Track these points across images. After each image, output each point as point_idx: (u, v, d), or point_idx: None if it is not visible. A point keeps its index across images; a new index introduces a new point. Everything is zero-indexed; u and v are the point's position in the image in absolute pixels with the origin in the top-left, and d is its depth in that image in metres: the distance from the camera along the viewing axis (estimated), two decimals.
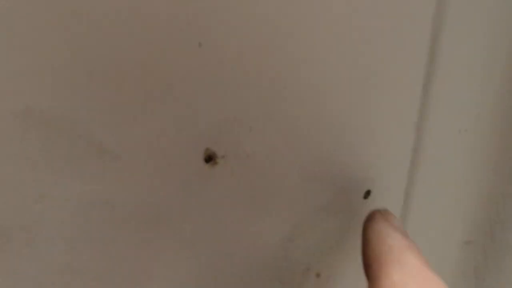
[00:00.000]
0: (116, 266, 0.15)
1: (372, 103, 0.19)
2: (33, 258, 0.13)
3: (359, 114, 0.19)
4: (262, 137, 0.16)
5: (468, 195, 0.26)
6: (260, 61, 0.15)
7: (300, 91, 0.16)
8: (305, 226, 0.19)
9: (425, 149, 0.22)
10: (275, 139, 0.16)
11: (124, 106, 0.13)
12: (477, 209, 0.26)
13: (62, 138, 0.13)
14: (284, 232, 0.19)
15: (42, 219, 0.13)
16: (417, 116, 0.21)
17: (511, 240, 0.26)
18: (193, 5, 0.13)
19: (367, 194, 0.21)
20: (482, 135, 0.24)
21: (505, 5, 0.21)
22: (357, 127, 0.19)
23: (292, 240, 0.19)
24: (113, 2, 0.12)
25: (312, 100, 0.17)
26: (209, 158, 0.15)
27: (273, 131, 0.16)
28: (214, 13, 0.13)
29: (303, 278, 0.21)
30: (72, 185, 0.13)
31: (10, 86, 0.12)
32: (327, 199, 0.19)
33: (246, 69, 0.15)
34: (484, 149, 0.25)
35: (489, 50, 0.22)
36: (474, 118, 0.23)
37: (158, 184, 0.15)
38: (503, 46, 0.23)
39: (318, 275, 0.21)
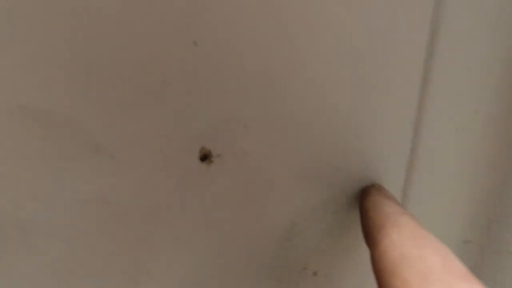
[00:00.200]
0: (112, 263, 0.15)
1: (370, 101, 0.19)
2: (28, 256, 0.13)
3: (357, 112, 0.19)
4: (258, 135, 0.16)
5: (466, 194, 0.26)
6: (256, 59, 0.15)
7: (297, 89, 0.16)
8: (302, 225, 0.19)
9: (423, 148, 0.22)
10: (271, 138, 0.16)
11: (119, 104, 0.13)
12: (475, 209, 0.26)
13: (57, 136, 0.13)
14: (281, 231, 0.19)
15: (38, 217, 0.13)
16: (415, 115, 0.21)
17: (509, 239, 0.26)
18: (188, 4, 0.13)
19: None
20: (479, 134, 0.24)
21: (503, 4, 0.21)
22: (355, 125, 0.19)
23: (289, 238, 0.19)
24: (110, 0, 0.12)
25: (309, 99, 0.17)
26: (205, 157, 0.15)
27: (269, 130, 0.16)
28: (209, 11, 0.13)
29: (300, 276, 0.21)
30: (68, 183, 0.13)
31: (6, 83, 0.12)
32: (324, 198, 0.19)
33: (241, 67, 0.15)
34: (482, 148, 0.25)
35: (487, 48, 0.22)
36: (472, 117, 0.23)
37: (153, 182, 0.15)
38: (501, 44, 0.22)
39: (315, 274, 0.21)
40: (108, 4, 0.12)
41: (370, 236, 0.16)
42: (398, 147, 0.21)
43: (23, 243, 0.13)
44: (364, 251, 0.18)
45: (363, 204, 0.19)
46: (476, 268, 0.27)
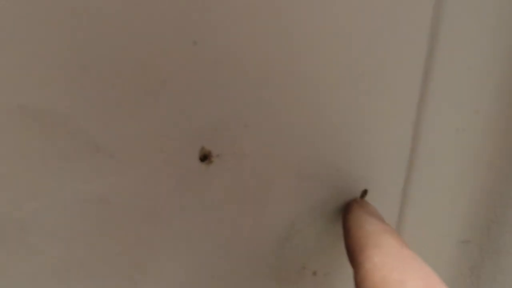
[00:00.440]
0: (112, 263, 0.15)
1: (370, 101, 0.19)
2: (28, 256, 0.13)
3: (357, 112, 0.19)
4: (258, 136, 0.16)
5: (465, 194, 0.26)
6: (256, 59, 0.15)
7: (296, 89, 0.16)
8: (302, 225, 0.19)
9: (423, 148, 0.22)
10: (270, 138, 0.16)
11: (119, 104, 0.13)
12: (474, 209, 0.26)
13: (57, 136, 0.13)
14: (281, 231, 0.19)
15: (37, 217, 0.13)
16: (415, 115, 0.21)
17: (508, 240, 0.26)
18: (188, 4, 0.13)
19: (364, 193, 0.21)
20: (479, 134, 0.24)
21: (503, 4, 0.21)
22: (354, 125, 0.19)
23: (289, 238, 0.19)
24: (110, 0, 0.12)
25: (309, 99, 0.17)
26: (205, 157, 0.15)
27: (269, 130, 0.16)
28: (209, 11, 0.13)
29: (300, 276, 0.21)
30: (68, 183, 0.13)
31: (6, 83, 0.12)
32: (324, 198, 0.19)
33: (241, 67, 0.15)
34: (482, 149, 0.25)
35: (487, 49, 0.22)
36: (472, 117, 0.23)
37: (153, 182, 0.15)
38: (501, 44, 0.22)
39: (314, 273, 0.21)
40: (108, 4, 0.12)
41: (353, 256, 0.16)
42: (398, 148, 0.21)
43: (23, 243, 0.13)
44: None
45: (345, 222, 0.18)
46: (476, 268, 0.27)
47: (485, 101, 0.23)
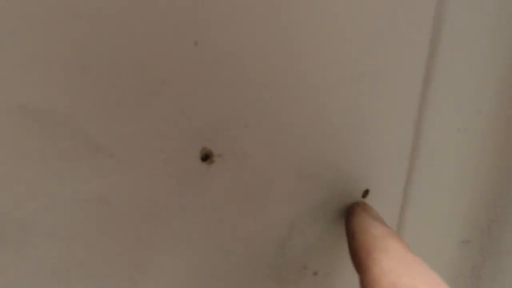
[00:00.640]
0: (112, 263, 0.15)
1: (371, 101, 0.19)
2: (28, 256, 0.13)
3: (357, 111, 0.18)
4: (259, 136, 0.16)
5: (466, 194, 0.26)
6: (256, 59, 0.15)
7: (297, 89, 0.16)
8: (303, 225, 0.19)
9: (424, 148, 0.22)
10: (271, 138, 0.16)
11: (119, 104, 0.13)
12: (475, 209, 0.26)
13: (57, 136, 0.13)
14: (281, 231, 0.19)
15: (37, 217, 0.13)
16: (416, 115, 0.21)
17: (508, 240, 0.26)
18: (189, 4, 0.13)
19: (365, 193, 0.21)
20: (481, 134, 0.24)
21: (505, 4, 0.21)
22: (355, 125, 0.19)
23: (289, 238, 0.19)
24: (110, 0, 0.12)
25: (310, 98, 0.17)
26: (206, 157, 0.15)
27: (270, 130, 0.16)
28: (210, 11, 0.13)
29: (300, 276, 0.21)
30: (68, 182, 0.13)
31: (6, 83, 0.12)
32: (325, 198, 0.19)
33: (242, 67, 0.15)
34: (483, 149, 0.25)
35: (489, 48, 0.22)
36: (473, 117, 0.23)
37: (154, 182, 0.15)
38: (503, 44, 0.22)
39: (315, 273, 0.21)
40: (108, 4, 0.12)
41: (359, 261, 0.16)
42: (399, 147, 0.21)
43: (23, 243, 0.13)
44: None
45: (349, 225, 0.18)
46: (476, 268, 0.27)
47: (487, 101, 0.23)
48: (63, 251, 0.14)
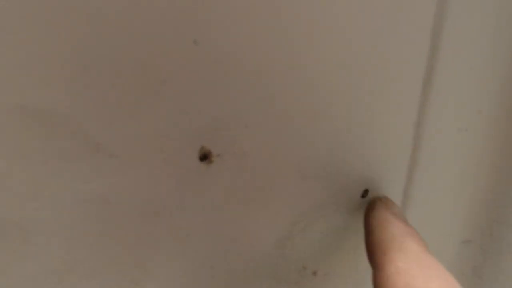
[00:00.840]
0: (112, 263, 0.15)
1: (371, 101, 0.19)
2: (28, 256, 0.13)
3: (358, 112, 0.18)
4: (258, 135, 0.16)
5: (467, 194, 0.26)
6: (256, 59, 0.15)
7: (297, 89, 0.16)
8: (302, 224, 0.19)
9: (424, 148, 0.22)
10: (271, 137, 0.16)
11: (119, 104, 0.13)
12: (476, 209, 0.26)
13: (57, 136, 0.13)
14: (281, 230, 0.19)
15: (38, 217, 0.13)
16: (417, 115, 0.21)
17: (510, 239, 0.26)
18: (188, 3, 0.13)
19: (365, 193, 0.21)
20: (481, 134, 0.24)
21: (505, 3, 0.21)
22: (356, 125, 0.19)
23: (289, 238, 0.19)
24: (110, 0, 0.12)
25: (310, 98, 0.17)
26: (205, 157, 0.15)
27: (269, 129, 0.16)
28: (209, 11, 0.13)
29: (300, 276, 0.21)
30: (68, 182, 0.13)
31: (6, 83, 0.12)
32: (325, 198, 0.19)
33: (242, 67, 0.15)
34: (484, 149, 0.25)
35: (490, 48, 0.22)
36: (474, 117, 0.23)
37: (153, 182, 0.15)
38: (504, 44, 0.22)
39: (314, 273, 0.21)
40: (108, 4, 0.12)
41: (374, 257, 0.16)
42: (400, 147, 0.21)
43: (23, 243, 0.13)
44: (364, 251, 0.18)
45: (368, 220, 0.18)
46: (477, 268, 0.27)
47: (487, 101, 0.23)
48: (63, 251, 0.14)
